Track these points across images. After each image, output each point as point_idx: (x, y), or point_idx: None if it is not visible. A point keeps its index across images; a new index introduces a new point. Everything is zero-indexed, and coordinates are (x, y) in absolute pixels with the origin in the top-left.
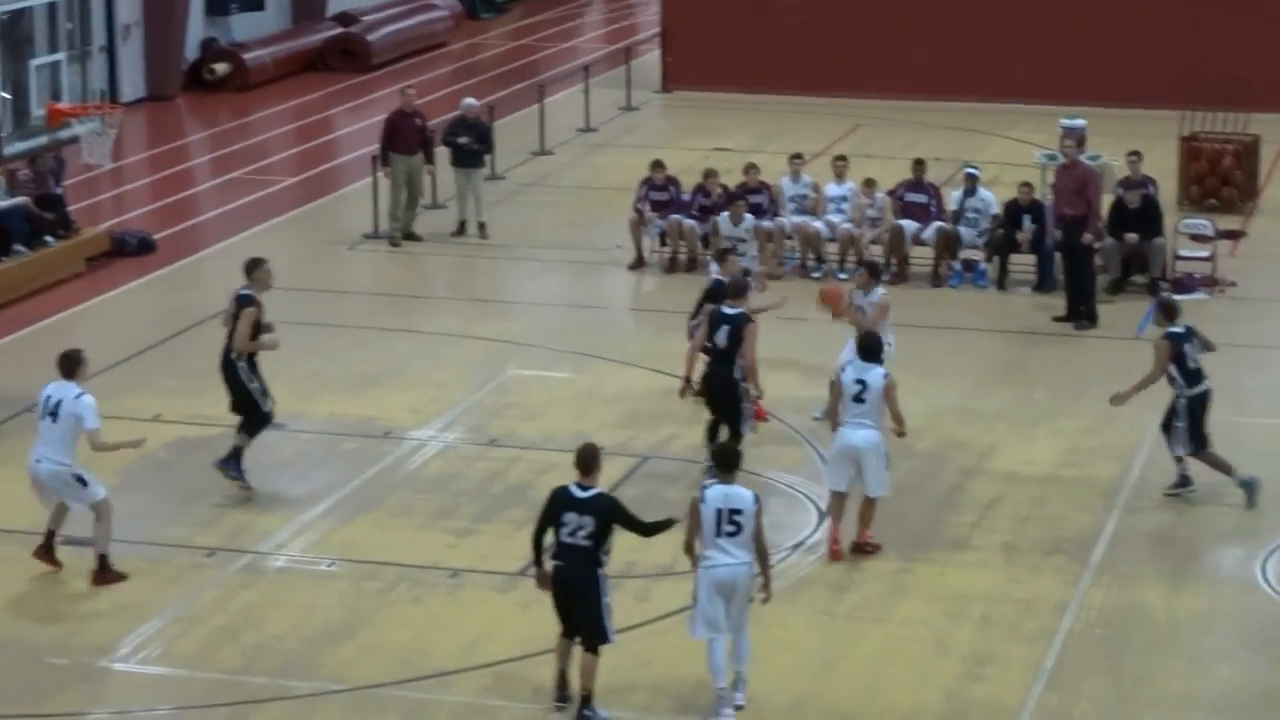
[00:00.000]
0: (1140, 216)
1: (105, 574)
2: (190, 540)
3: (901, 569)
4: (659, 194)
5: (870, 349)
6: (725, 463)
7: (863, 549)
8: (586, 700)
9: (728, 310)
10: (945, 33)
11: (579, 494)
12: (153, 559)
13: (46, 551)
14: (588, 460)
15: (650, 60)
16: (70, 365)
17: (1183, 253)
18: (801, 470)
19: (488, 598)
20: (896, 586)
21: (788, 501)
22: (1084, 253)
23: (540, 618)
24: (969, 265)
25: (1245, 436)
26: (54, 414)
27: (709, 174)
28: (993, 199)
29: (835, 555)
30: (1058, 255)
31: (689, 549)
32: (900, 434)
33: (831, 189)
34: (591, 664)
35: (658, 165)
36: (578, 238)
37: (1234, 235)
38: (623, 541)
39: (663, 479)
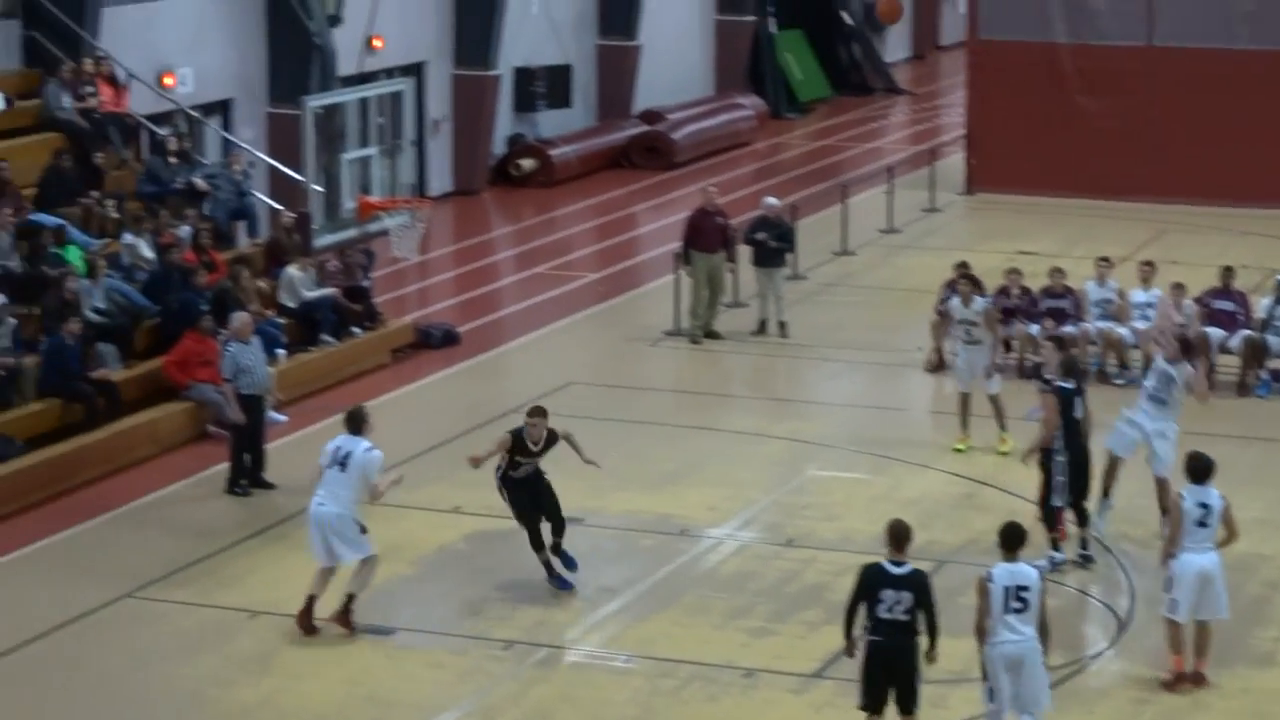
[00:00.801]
0: None
1: (345, 615)
2: (488, 633)
3: None
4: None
5: (1201, 470)
6: (1011, 541)
7: (1201, 681)
8: None
9: (1068, 385)
10: (1253, 137)
11: (895, 570)
12: (451, 650)
13: (307, 616)
14: (903, 536)
15: (954, 162)
16: (358, 422)
17: None
18: (1101, 580)
19: (782, 698)
20: (1197, 701)
21: (1087, 611)
22: None
23: (835, 719)
24: (1278, 375)
25: None
26: (343, 464)
27: (1011, 272)
28: None
29: (1177, 687)
30: None
31: (979, 630)
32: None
33: (1137, 295)
34: None
35: (961, 267)
36: (878, 339)
37: None
38: None
39: (961, 584)
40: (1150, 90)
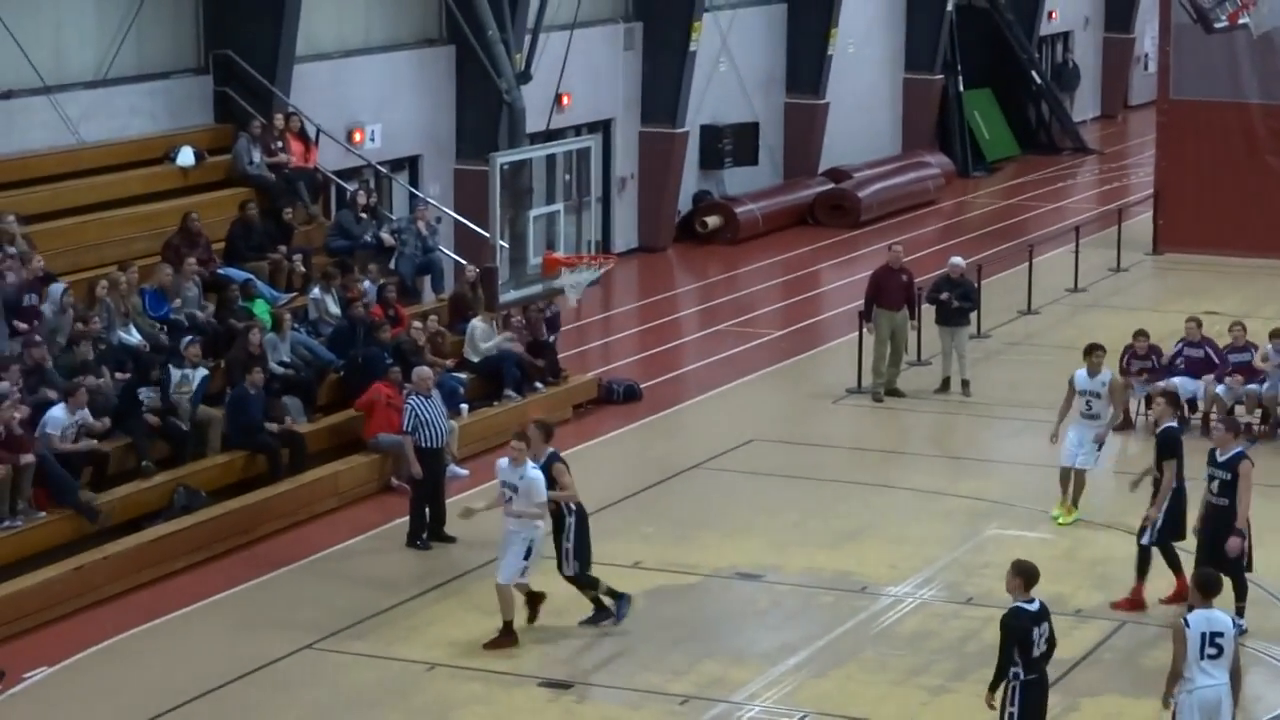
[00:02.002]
0: None
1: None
2: (665, 687)
3: None
4: (1141, 362)
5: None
6: (1206, 588)
7: None
8: None
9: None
10: None
11: (1033, 608)
12: (626, 705)
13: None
14: (1034, 576)
15: (1142, 222)
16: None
17: None
18: None
19: None
20: None
21: (1268, 672)
22: None
23: None
24: None
25: None
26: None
27: (1189, 321)
28: None
29: None
30: None
31: (1174, 675)
32: None
33: None
34: None
35: (1140, 335)
36: (1061, 398)
37: None
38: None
39: (1139, 643)
40: None
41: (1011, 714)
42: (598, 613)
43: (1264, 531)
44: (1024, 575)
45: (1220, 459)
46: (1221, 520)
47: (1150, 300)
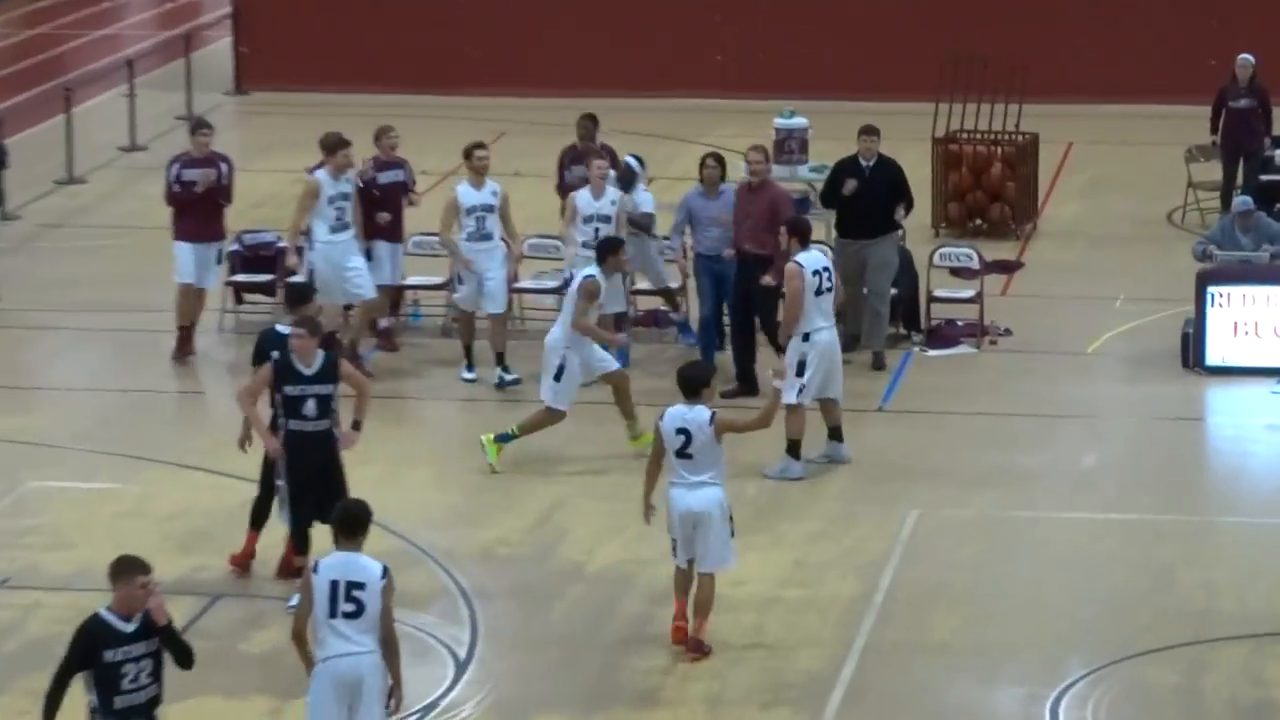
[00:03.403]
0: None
1: None
2: None
3: None
4: (193, 171)
5: (690, 382)
6: (349, 526)
7: (700, 648)
8: None
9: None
10: (610, 18)
11: (125, 626)
12: None
13: None
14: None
15: (219, 52)
16: None
17: (939, 292)
18: (435, 606)
19: None
20: None
21: (416, 647)
22: (764, 298)
23: None
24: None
25: (1031, 532)
26: None
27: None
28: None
29: (680, 637)
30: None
31: (299, 636)
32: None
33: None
34: None
35: (200, 127)
36: (124, 297)
37: (1008, 268)
38: None
39: (241, 623)
40: None
41: None
42: None
43: (399, 467)
44: (111, 568)
45: (310, 372)
46: (327, 448)
47: (237, 157)
